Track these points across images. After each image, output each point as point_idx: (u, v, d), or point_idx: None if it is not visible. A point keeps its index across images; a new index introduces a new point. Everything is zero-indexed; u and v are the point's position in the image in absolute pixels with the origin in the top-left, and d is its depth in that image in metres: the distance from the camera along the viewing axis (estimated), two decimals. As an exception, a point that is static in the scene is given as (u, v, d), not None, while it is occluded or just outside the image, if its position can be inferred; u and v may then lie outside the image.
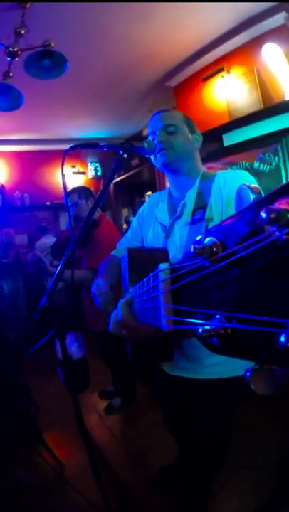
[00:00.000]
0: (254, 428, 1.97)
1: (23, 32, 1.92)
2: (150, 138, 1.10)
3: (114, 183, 4.71)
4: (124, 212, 5.06)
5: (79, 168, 4.89)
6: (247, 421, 1.91)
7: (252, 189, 0.22)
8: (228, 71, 2.68)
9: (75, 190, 2.22)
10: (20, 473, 1.87)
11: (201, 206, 0.99)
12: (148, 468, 1.84)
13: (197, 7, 2.17)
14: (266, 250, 0.18)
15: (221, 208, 0.95)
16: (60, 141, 4.30)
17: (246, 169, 2.70)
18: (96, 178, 5.07)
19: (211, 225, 0.81)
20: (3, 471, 1.85)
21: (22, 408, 2.13)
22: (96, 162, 5.04)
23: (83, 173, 4.95)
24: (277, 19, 2.25)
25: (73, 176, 4.79)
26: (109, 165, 4.97)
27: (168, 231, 1.07)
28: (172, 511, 1.48)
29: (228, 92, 2.71)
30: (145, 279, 0.37)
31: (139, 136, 4.61)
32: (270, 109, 2.40)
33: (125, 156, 1.08)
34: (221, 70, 2.70)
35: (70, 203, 2.24)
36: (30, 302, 3.44)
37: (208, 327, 0.22)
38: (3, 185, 4.22)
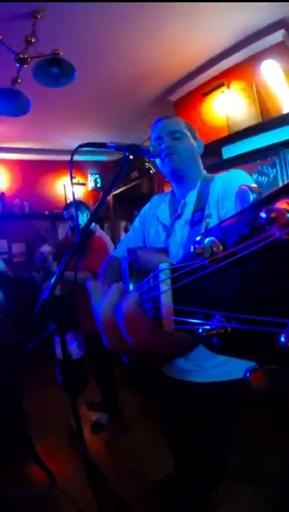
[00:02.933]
0: (256, 439, 1.93)
1: (33, 40, 2.00)
2: (155, 143, 1.13)
3: (113, 195, 4.76)
4: (123, 224, 5.10)
5: (79, 179, 4.95)
6: (249, 432, 1.87)
7: (252, 189, 0.21)
8: (228, 86, 2.79)
9: (72, 203, 2.42)
10: (10, 486, 1.79)
11: (200, 208, 1.01)
12: (144, 481, 1.79)
13: (199, 24, 2.29)
14: (266, 250, 0.18)
15: (217, 202, 0.97)
16: (62, 152, 4.38)
17: (244, 181, 2.77)
18: (96, 189, 5.13)
19: (209, 220, 0.82)
20: None
21: (13, 417, 2.06)
22: (96, 174, 5.12)
23: (83, 184, 5.01)
24: (276, 36, 2.36)
25: (73, 187, 4.85)
26: (108, 177, 5.05)
27: (169, 230, 1.09)
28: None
29: (227, 107, 2.81)
30: (145, 279, 0.37)
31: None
32: (268, 122, 2.49)
33: (131, 157, 1.10)
34: (221, 85, 2.81)
35: (68, 215, 2.40)
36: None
37: (208, 327, 0.22)
38: (3, 193, 4.24)
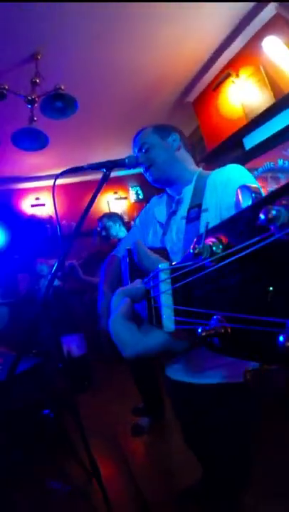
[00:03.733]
0: (281, 450, 1.75)
1: (38, 81, 2.25)
2: (130, 155, 1.16)
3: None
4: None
5: (121, 194, 5.16)
6: (276, 443, 1.72)
7: (252, 189, 0.22)
8: (237, 75, 2.67)
9: (104, 215, 2.59)
10: (53, 481, 1.91)
11: (196, 204, 0.99)
12: (175, 487, 1.77)
13: (192, 21, 2.26)
14: (266, 250, 0.18)
15: (216, 198, 0.95)
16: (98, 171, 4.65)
17: (272, 169, 2.60)
18: (138, 201, 5.25)
19: (205, 216, 0.81)
20: (35, 480, 1.93)
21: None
22: (137, 186, 5.26)
23: (125, 198, 5.21)
24: (269, 10, 2.22)
25: (115, 202, 5.07)
26: (150, 187, 5.14)
27: (165, 227, 1.08)
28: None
29: (240, 96, 2.69)
30: (145, 279, 0.38)
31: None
32: (282, 100, 2.31)
33: (108, 172, 1.18)
34: (229, 75, 2.70)
35: (101, 225, 2.54)
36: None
37: (208, 327, 0.22)
38: (51, 216, 4.69)
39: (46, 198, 4.83)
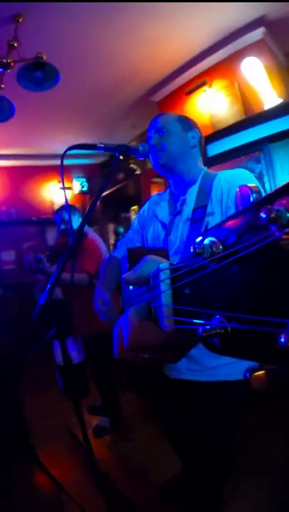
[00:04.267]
0: (260, 431, 1.94)
1: (15, 45, 1.99)
2: (143, 143, 1.13)
3: (102, 202, 4.77)
4: (111, 226, 5.09)
5: (65, 183, 4.92)
6: (254, 425, 1.89)
7: (252, 189, 0.22)
8: (211, 85, 2.83)
9: (62, 207, 2.45)
10: (17, 495, 1.76)
11: (201, 205, 0.99)
12: (152, 484, 1.78)
13: (179, 23, 2.32)
14: (266, 250, 0.18)
15: (221, 202, 0.96)
16: (47, 157, 4.35)
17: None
18: (82, 193, 5.11)
19: (211, 219, 0.81)
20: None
21: (15, 426, 2.04)
22: (82, 178, 5.09)
23: (69, 188, 4.98)
24: (256, 34, 2.42)
25: (60, 191, 4.82)
26: (95, 180, 5.03)
27: (168, 228, 1.07)
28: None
29: (210, 105, 2.85)
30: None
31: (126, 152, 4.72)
32: (250, 119, 2.54)
33: (121, 157, 1.11)
34: (204, 83, 2.86)
35: (60, 219, 2.41)
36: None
37: (208, 327, 0.22)
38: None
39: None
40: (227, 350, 0.22)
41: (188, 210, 1.03)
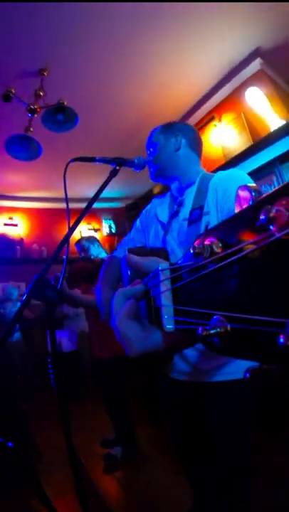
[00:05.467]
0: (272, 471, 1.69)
1: (41, 94, 2.37)
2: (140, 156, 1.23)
3: (125, 207, 4.89)
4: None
5: (94, 225, 5.23)
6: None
7: (251, 189, 0.22)
8: (220, 119, 3.05)
9: (81, 238, 2.66)
10: None
11: (198, 206, 1.00)
12: None
13: (185, 68, 2.61)
14: (266, 250, 0.18)
15: (216, 203, 0.97)
16: (76, 200, 4.73)
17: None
18: (110, 235, 5.35)
19: (208, 218, 0.84)
20: None
21: (21, 455, 1.97)
22: (110, 220, 5.39)
23: (98, 229, 5.27)
24: (254, 65, 2.62)
25: (88, 233, 5.11)
26: (122, 222, 5.29)
27: (166, 228, 1.09)
28: None
29: (221, 138, 3.04)
30: (145, 279, 0.38)
31: (149, 195, 5.00)
32: (258, 143, 2.64)
33: (118, 168, 1.23)
34: (213, 119, 3.08)
35: (80, 247, 2.56)
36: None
37: (208, 327, 0.22)
38: (22, 238, 4.54)
39: (19, 218, 4.72)
40: (227, 350, 0.22)
41: (185, 210, 1.05)
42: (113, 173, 1.17)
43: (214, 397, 0.99)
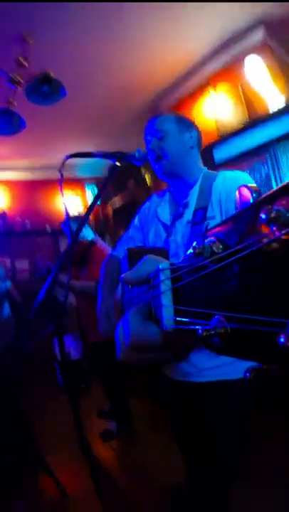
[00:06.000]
0: (261, 437, 1.88)
1: (25, 63, 2.11)
2: (138, 148, 1.14)
3: (113, 211, 4.86)
4: (121, 232, 5.15)
5: (77, 192, 5.04)
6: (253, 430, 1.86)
7: (252, 189, 0.22)
8: (215, 89, 2.87)
9: (71, 217, 2.53)
10: (21, 499, 1.78)
11: (202, 206, 0.99)
12: (157, 488, 1.77)
13: (182, 31, 2.37)
14: (266, 250, 0.18)
15: (220, 206, 0.96)
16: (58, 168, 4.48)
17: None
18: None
19: (212, 223, 0.81)
20: (4, 502, 1.76)
21: (22, 430, 2.07)
22: (93, 187, 5.20)
23: (82, 199, 5.09)
24: (256, 35, 2.43)
25: (72, 203, 4.93)
26: (106, 189, 5.12)
27: (169, 229, 1.07)
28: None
29: (215, 110, 2.89)
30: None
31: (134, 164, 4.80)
32: (255, 121, 2.54)
33: (118, 164, 1.14)
34: (208, 88, 2.90)
35: (68, 229, 2.47)
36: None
37: (208, 327, 0.23)
38: (4, 212, 4.34)
39: (0, 190, 4.44)
40: (227, 350, 0.22)
41: (189, 212, 1.03)
42: (113, 171, 1.10)
43: (214, 397, 1.02)
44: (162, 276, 0.32)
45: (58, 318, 0.99)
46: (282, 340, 0.16)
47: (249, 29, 2.41)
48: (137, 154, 1.11)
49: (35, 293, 3.39)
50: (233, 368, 0.94)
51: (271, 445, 1.85)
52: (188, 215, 1.03)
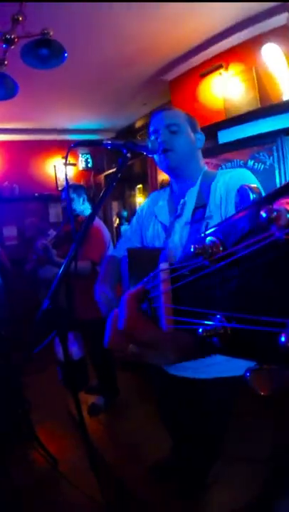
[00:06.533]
0: (247, 415, 2.00)
1: (20, 19, 1.85)
2: (153, 137, 1.09)
3: (105, 176, 4.67)
4: (115, 205, 5.02)
5: (70, 159, 4.80)
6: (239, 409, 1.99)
7: (252, 189, 0.21)
8: (226, 68, 2.67)
9: (71, 186, 2.37)
10: (13, 471, 1.87)
11: (201, 205, 0.99)
12: (143, 462, 1.88)
13: (200, 3, 2.15)
14: (266, 250, 0.18)
15: (220, 205, 0.95)
16: (52, 131, 4.20)
17: (240, 167, 2.73)
18: (87, 169, 5.00)
19: (211, 222, 0.81)
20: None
21: (14, 404, 2.12)
22: (87, 154, 4.96)
23: (74, 164, 4.86)
24: (280, 19, 2.26)
25: (63, 167, 4.71)
26: (100, 157, 4.90)
27: (168, 230, 1.07)
28: (168, 503, 1.52)
29: (225, 90, 2.71)
30: (145, 279, 0.37)
31: (131, 129, 4.56)
32: (267, 108, 2.42)
33: (129, 155, 1.07)
34: (220, 67, 2.69)
35: (63, 197, 2.33)
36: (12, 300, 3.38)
37: (208, 327, 0.22)
38: (-8, 176, 4.11)
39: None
40: (227, 350, 0.22)
41: (187, 212, 1.02)
42: (124, 161, 1.03)
43: (209, 392, 1.08)
44: (162, 276, 0.32)
45: (62, 326, 0.97)
46: (282, 340, 0.16)
47: (273, 10, 2.24)
48: (150, 145, 1.04)
49: (22, 260, 3.29)
50: (229, 366, 0.97)
51: (256, 424, 1.97)
52: (186, 215, 1.02)
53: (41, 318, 0.92)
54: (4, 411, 2.05)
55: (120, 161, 1.04)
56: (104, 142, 1.07)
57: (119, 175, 1.07)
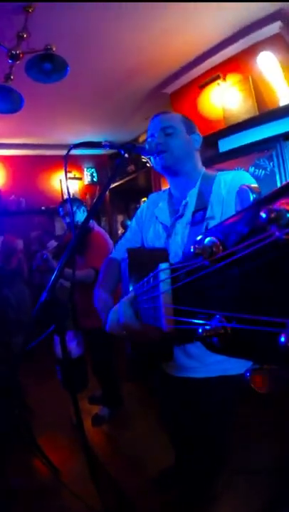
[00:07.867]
0: (245, 418, 1.94)
1: (25, 36, 1.96)
2: (150, 140, 1.12)
3: (110, 190, 4.75)
4: (120, 218, 5.08)
5: (75, 173, 4.90)
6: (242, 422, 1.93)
7: (252, 189, 0.22)
8: (224, 79, 2.75)
9: (67, 200, 2.42)
10: (14, 479, 1.83)
11: (201, 207, 1.00)
12: (146, 472, 1.82)
13: (194, 16, 2.24)
14: (266, 250, 0.18)
15: (221, 207, 0.96)
16: (57, 147, 4.32)
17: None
18: (92, 184, 5.09)
19: (211, 224, 0.81)
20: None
21: (15, 412, 2.09)
22: (92, 168, 5.07)
23: (79, 178, 4.97)
24: (272, 28, 2.33)
25: (69, 182, 4.81)
26: (105, 171, 5.00)
27: (170, 230, 1.07)
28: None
29: (223, 99, 2.78)
30: (145, 279, 0.38)
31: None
32: (264, 115, 2.46)
33: (126, 155, 1.09)
34: (217, 77, 2.77)
35: (63, 212, 2.38)
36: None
37: (208, 327, 0.22)
38: (-1, 189, 4.23)
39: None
40: (227, 350, 0.22)
41: (188, 213, 1.03)
42: (122, 162, 1.06)
43: (210, 391, 1.06)
44: (162, 276, 0.31)
45: (60, 319, 0.97)
46: (282, 339, 0.16)
47: (265, 20, 2.30)
48: (147, 147, 1.06)
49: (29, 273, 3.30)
50: (232, 364, 0.97)
51: (264, 432, 1.91)
52: (187, 216, 1.03)
53: (39, 310, 0.93)
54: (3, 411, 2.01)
55: (118, 161, 1.07)
56: (104, 144, 1.11)
57: (117, 176, 1.09)
